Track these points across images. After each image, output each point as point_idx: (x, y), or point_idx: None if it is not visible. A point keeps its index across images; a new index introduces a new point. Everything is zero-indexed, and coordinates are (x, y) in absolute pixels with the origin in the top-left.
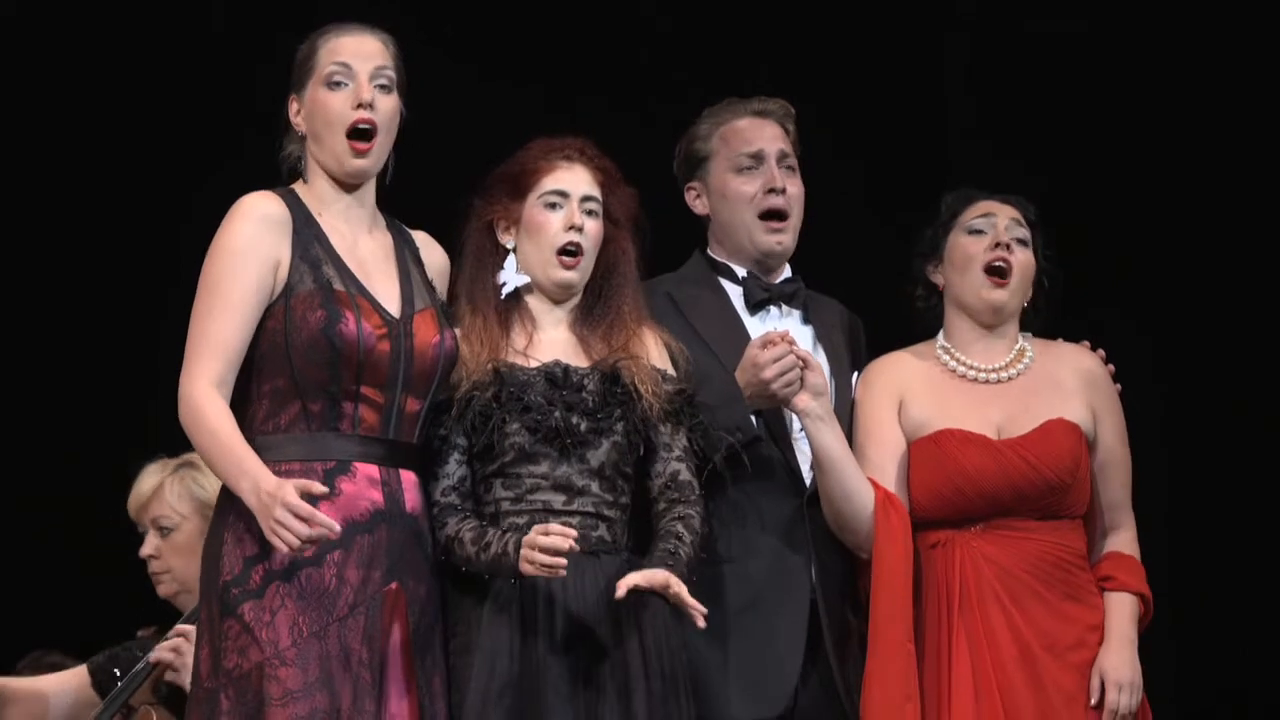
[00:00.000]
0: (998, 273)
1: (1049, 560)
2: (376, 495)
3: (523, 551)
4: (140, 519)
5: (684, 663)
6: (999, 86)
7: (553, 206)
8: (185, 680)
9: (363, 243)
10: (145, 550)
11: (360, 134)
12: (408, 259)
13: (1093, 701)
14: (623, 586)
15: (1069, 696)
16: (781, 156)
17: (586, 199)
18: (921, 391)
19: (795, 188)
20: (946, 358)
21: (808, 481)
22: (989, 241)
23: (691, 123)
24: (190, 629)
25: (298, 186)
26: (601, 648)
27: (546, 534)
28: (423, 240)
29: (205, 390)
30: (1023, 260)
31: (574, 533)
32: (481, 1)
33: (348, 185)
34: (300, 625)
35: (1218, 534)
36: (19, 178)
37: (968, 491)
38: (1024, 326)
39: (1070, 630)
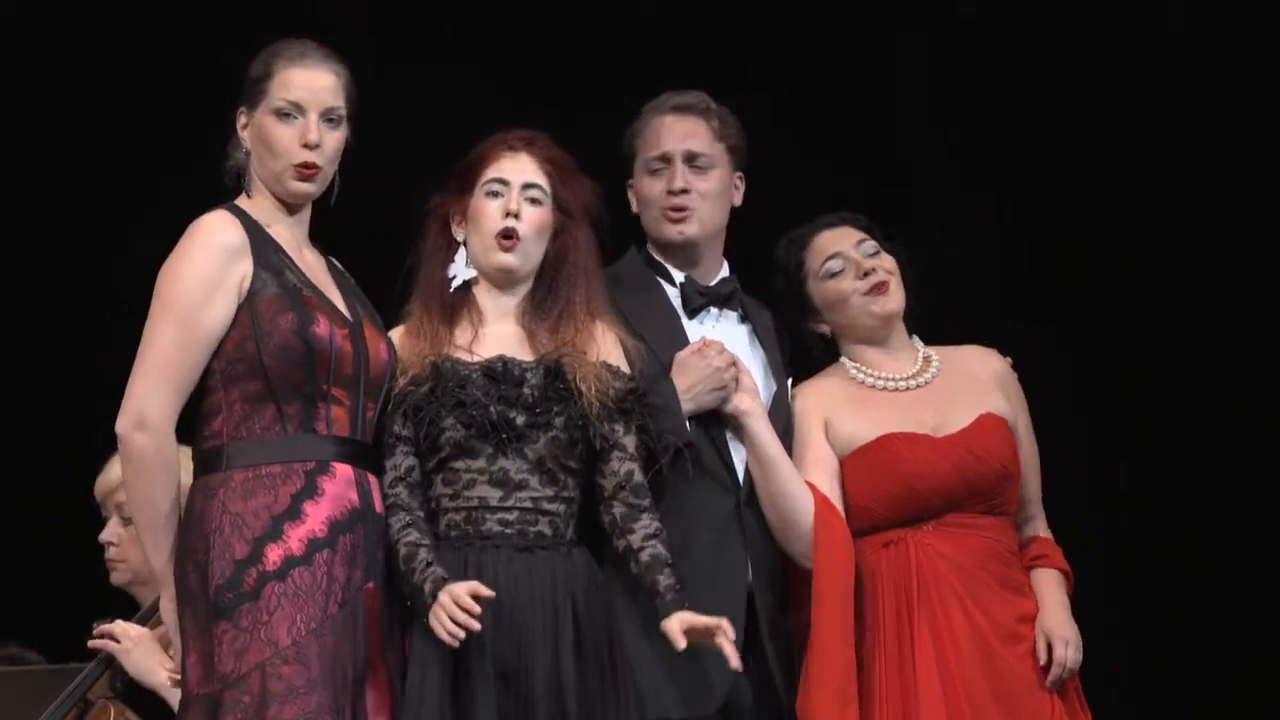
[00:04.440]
0: (877, 289)
1: (996, 555)
2: (354, 495)
3: (439, 603)
4: (105, 503)
5: (624, 658)
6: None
7: (494, 195)
8: (135, 665)
9: (305, 255)
10: (105, 535)
11: (304, 168)
12: (339, 274)
13: (1043, 662)
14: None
15: (1027, 682)
16: (690, 157)
17: (528, 186)
18: (846, 407)
19: (705, 184)
20: (859, 375)
21: (742, 480)
22: (853, 275)
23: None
24: (137, 629)
25: (242, 201)
26: (535, 643)
27: (469, 594)
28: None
29: (168, 433)
30: (888, 265)
31: (489, 594)
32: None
33: (290, 206)
34: (298, 623)
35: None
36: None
37: (922, 490)
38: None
39: (1018, 624)
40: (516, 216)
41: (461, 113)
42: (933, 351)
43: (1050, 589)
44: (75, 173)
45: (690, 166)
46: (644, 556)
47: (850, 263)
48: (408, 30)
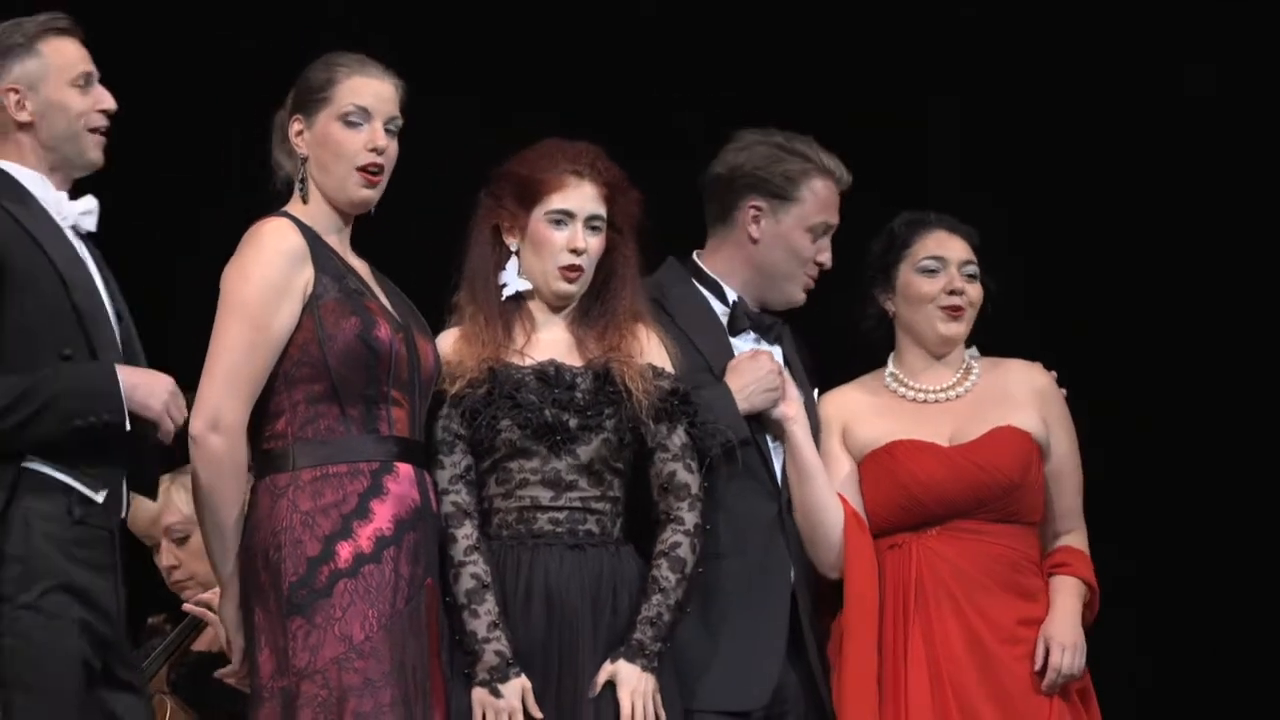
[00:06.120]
0: (953, 310)
1: (1002, 561)
2: (415, 494)
3: (487, 703)
4: (151, 533)
5: (668, 650)
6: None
7: (557, 224)
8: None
9: (352, 260)
10: (165, 561)
11: (370, 173)
12: (381, 278)
13: (1037, 666)
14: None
15: (1024, 684)
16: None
17: (592, 218)
18: (868, 415)
19: None
20: (895, 385)
21: (783, 487)
22: (943, 284)
23: (780, 132)
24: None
25: (295, 208)
26: (584, 637)
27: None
28: None
29: (241, 435)
30: (974, 297)
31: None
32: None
33: (345, 214)
34: (370, 619)
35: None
36: None
37: (923, 498)
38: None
39: (1020, 626)
40: (582, 253)
41: (461, 112)
42: (978, 364)
43: (1061, 595)
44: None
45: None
46: (650, 573)
47: (946, 273)
48: (402, 26)
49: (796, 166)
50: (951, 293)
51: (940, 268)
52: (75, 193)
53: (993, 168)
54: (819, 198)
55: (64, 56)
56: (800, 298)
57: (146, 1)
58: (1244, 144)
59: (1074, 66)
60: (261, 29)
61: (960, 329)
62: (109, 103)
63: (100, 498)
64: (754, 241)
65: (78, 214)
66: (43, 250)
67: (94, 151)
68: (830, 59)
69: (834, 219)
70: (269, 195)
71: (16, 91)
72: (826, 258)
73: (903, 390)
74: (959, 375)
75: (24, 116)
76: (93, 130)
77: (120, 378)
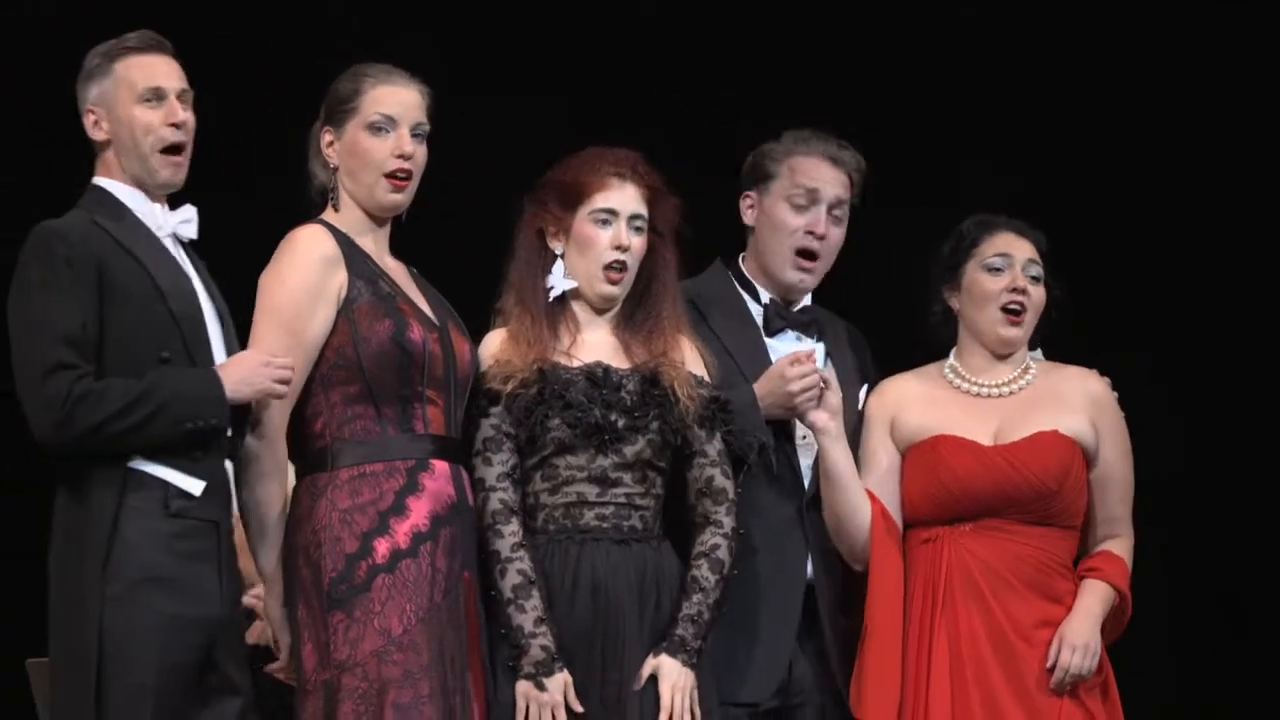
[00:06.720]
0: (1014, 313)
1: (1029, 561)
2: (451, 490)
3: (536, 698)
4: None
5: (707, 654)
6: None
7: (602, 224)
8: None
9: (389, 262)
10: None
11: (398, 178)
12: (419, 280)
13: (1049, 664)
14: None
15: (1042, 681)
16: (834, 203)
17: (634, 218)
18: (918, 405)
19: (835, 236)
20: (952, 376)
21: (807, 483)
22: (1006, 283)
23: (773, 135)
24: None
25: (329, 215)
26: (630, 629)
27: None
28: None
29: (280, 436)
30: (1037, 299)
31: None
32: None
33: (378, 219)
34: (408, 613)
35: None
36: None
37: (956, 493)
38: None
39: (1040, 628)
40: (626, 250)
41: (466, 107)
42: (1036, 365)
43: (1083, 597)
44: None
45: (829, 215)
46: (690, 573)
47: (1010, 272)
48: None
49: (778, 148)
50: (1014, 290)
51: (1005, 266)
52: (176, 202)
53: (993, 167)
54: (796, 170)
55: (135, 73)
56: (793, 277)
57: (146, 2)
58: (1245, 146)
59: (1074, 66)
60: (261, 29)
61: (1019, 333)
62: (175, 116)
63: (198, 490)
64: (753, 232)
65: (176, 223)
66: (138, 261)
67: (164, 172)
68: (830, 59)
69: (816, 185)
70: (268, 196)
71: (94, 113)
72: (821, 228)
73: (958, 381)
74: (1016, 373)
75: (100, 135)
76: (165, 151)
77: (223, 381)
